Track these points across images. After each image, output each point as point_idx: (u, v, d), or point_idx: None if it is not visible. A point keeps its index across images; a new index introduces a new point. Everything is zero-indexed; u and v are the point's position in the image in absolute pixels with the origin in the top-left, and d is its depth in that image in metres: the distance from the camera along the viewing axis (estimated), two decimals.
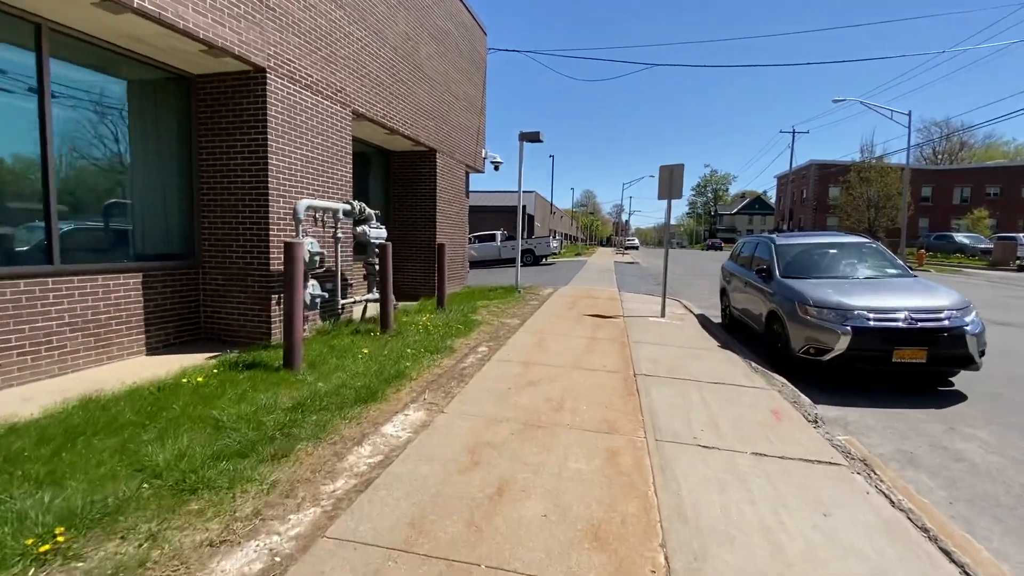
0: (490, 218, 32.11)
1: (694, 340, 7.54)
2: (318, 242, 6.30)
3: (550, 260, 30.42)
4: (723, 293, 9.88)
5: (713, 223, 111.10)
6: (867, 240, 7.59)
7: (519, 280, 13.27)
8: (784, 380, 5.49)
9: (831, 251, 7.21)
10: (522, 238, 29.69)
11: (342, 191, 7.55)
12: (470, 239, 29.25)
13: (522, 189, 13.00)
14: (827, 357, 5.52)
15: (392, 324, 6.84)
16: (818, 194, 59.61)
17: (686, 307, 11.35)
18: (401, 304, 9.62)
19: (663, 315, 9.71)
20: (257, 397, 4.07)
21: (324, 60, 6.97)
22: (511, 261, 28.48)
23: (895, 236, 46.21)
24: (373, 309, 7.77)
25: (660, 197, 9.64)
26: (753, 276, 7.72)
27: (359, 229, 7.27)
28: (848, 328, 5.40)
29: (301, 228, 5.98)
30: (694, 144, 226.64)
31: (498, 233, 28.21)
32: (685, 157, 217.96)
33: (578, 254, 40.54)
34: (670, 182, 9.44)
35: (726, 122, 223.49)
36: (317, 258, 6.07)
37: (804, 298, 5.95)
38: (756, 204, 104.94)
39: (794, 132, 47.64)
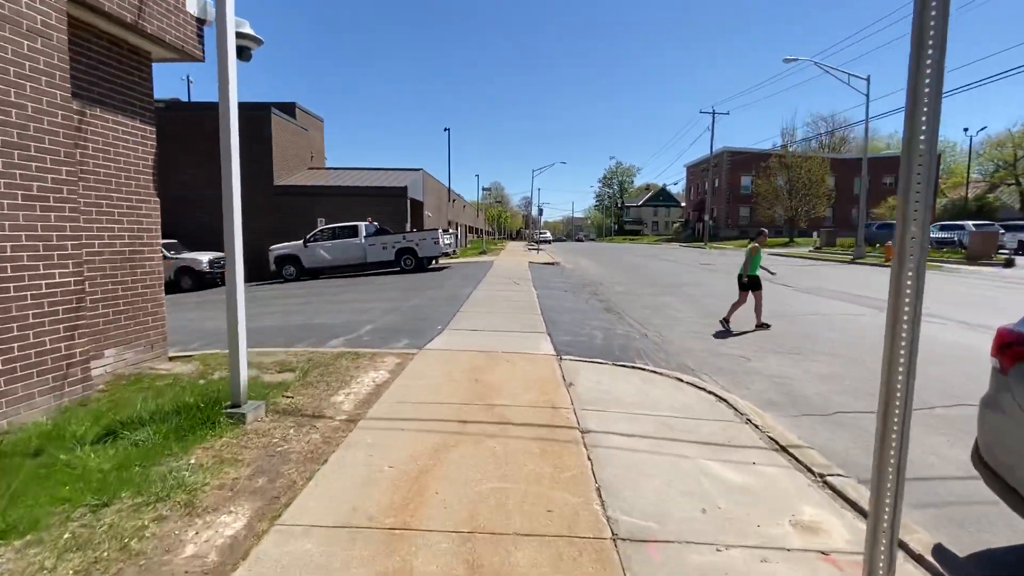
0: (359, 204, 22.96)
1: None
2: None
3: (441, 262, 22.04)
4: None
5: (621, 215, 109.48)
6: None
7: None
8: None
9: None
10: (400, 232, 20.52)
11: None
12: (316, 235, 19.77)
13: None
14: None
15: None
16: (731, 183, 57.25)
17: (777, 442, 3.63)
18: None
19: None
20: None
21: None
22: (386, 266, 19.63)
23: (817, 226, 44.17)
24: None
25: None
26: None
27: None
28: None
29: None
30: (600, 135, 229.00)
31: (362, 225, 19.26)
32: (592, 148, 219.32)
33: (483, 252, 32.52)
34: None
35: (631, 112, 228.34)
36: None
37: None
38: (660, 197, 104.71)
39: (714, 113, 43.60)
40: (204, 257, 20.00)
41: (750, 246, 8.39)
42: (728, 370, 5.92)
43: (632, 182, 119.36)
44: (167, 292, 18.52)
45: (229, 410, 3.54)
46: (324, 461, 3.06)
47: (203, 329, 8.40)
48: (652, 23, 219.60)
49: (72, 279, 3.95)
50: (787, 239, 43.48)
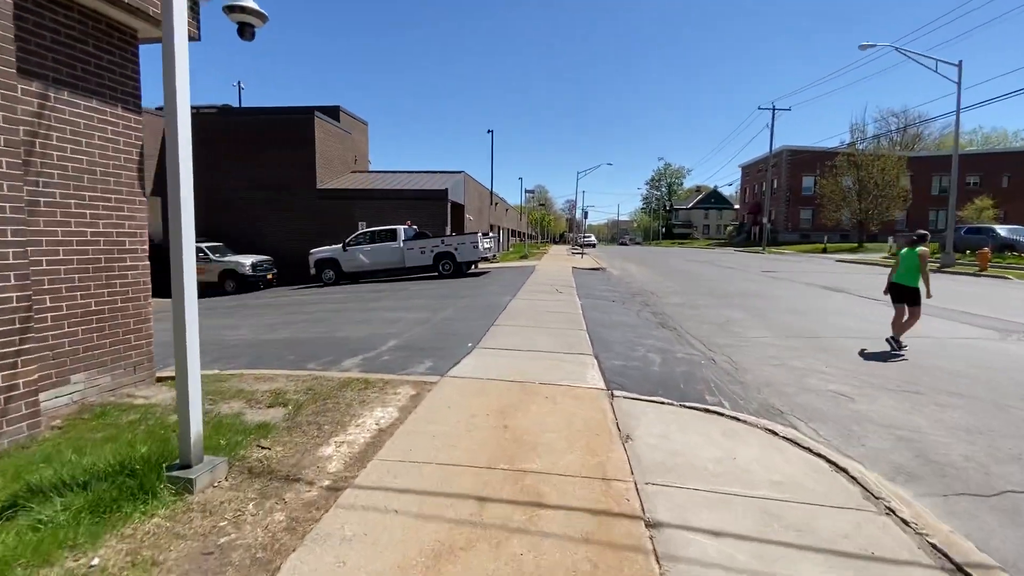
0: (400, 207, 22.56)
1: None
2: None
3: (481, 267, 21.24)
4: None
5: (669, 218, 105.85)
6: None
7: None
8: None
9: None
10: (439, 235, 19.56)
11: None
12: (355, 239, 19.49)
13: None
14: None
15: None
16: (791, 184, 53.65)
17: None
18: None
19: None
20: None
21: None
22: (424, 271, 18.97)
23: (889, 231, 40.43)
24: None
25: None
26: None
27: None
28: None
29: None
30: (648, 136, 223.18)
31: (400, 228, 18.74)
32: (640, 150, 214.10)
33: (524, 256, 31.56)
34: None
35: (681, 113, 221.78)
36: None
37: None
38: (712, 199, 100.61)
39: (774, 109, 40.78)
40: (247, 260, 20.09)
41: (918, 250, 6.83)
42: (829, 415, 4.63)
43: (681, 184, 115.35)
44: (211, 294, 18.51)
45: (175, 473, 2.68)
46: (276, 569, 2.12)
47: (221, 340, 7.82)
48: (705, 19, 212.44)
49: (15, 294, 3.24)
50: (855, 244, 40.08)
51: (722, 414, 4.22)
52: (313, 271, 19.15)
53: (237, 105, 29.21)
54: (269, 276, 20.76)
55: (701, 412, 4.25)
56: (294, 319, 9.96)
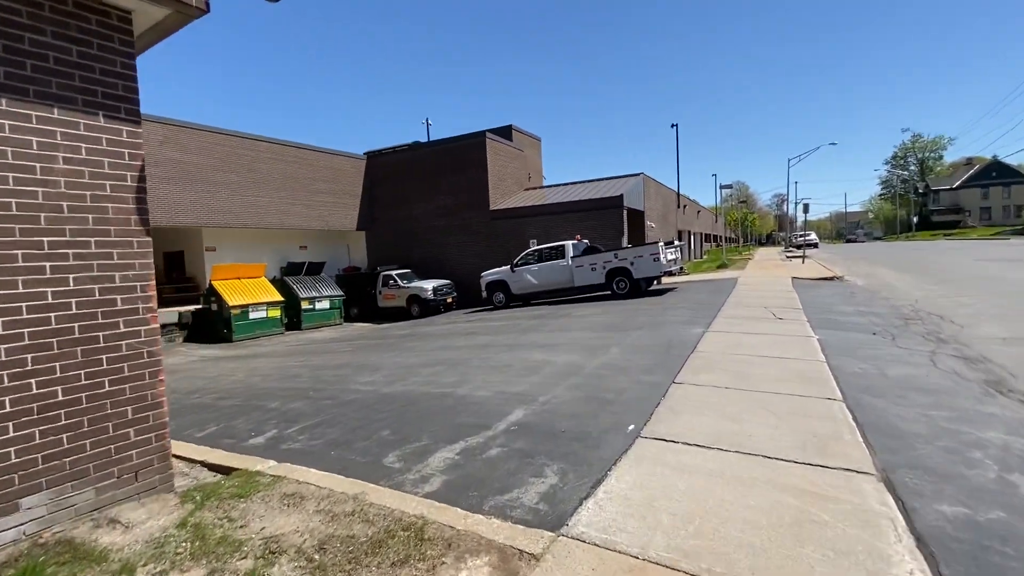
0: (570, 221, 20.78)
1: None
2: None
3: (665, 281, 17.90)
4: None
5: (923, 203, 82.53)
6: None
7: None
8: None
9: None
10: (612, 248, 15.96)
11: None
12: (523, 259, 17.24)
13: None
14: None
15: None
16: None
17: None
18: None
19: None
20: None
21: None
22: (596, 289, 16.58)
23: None
24: None
25: None
26: None
27: None
28: None
29: None
30: (883, 104, 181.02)
31: (568, 244, 16.81)
32: (871, 124, 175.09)
33: (721, 265, 26.54)
34: None
35: (931, 71, 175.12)
36: None
37: None
38: (992, 172, 75.18)
39: None
40: (429, 285, 20.66)
41: None
42: None
43: (940, 157, 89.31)
44: (400, 318, 19.05)
45: None
46: None
47: (341, 393, 6.73)
48: None
49: None
50: None
51: None
52: (484, 294, 18.51)
53: (425, 140, 31.48)
54: (449, 300, 21.05)
55: None
56: (436, 357, 8.67)
